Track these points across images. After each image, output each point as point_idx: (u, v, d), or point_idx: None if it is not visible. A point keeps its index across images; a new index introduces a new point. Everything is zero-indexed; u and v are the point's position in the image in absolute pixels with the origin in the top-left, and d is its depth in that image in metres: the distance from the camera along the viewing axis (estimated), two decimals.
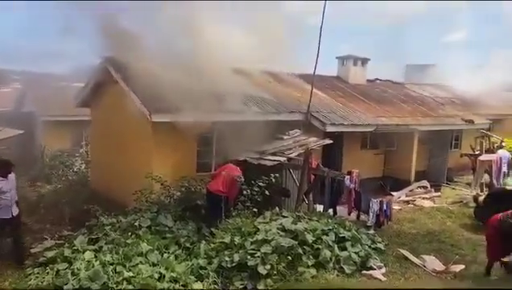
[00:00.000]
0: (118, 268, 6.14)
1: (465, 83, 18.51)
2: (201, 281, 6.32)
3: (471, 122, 15.50)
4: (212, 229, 7.75)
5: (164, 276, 6.12)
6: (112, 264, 6.22)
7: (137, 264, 6.31)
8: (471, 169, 14.77)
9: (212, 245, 7.19)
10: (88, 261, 6.32)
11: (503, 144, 15.46)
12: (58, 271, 6.33)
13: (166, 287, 5.92)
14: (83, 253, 6.59)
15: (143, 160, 9.72)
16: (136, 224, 7.65)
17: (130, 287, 5.79)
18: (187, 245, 7.38)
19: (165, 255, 6.78)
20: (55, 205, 10.49)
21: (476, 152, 14.75)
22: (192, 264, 6.68)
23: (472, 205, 11.13)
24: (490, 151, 14.57)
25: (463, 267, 7.26)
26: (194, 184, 8.78)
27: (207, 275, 6.45)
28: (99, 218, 7.99)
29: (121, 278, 5.92)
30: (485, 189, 13.08)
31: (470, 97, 18.36)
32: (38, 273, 6.50)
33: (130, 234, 7.36)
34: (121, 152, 10.70)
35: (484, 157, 13.69)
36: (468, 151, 15.49)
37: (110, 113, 11.32)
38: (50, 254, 6.82)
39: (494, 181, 13.12)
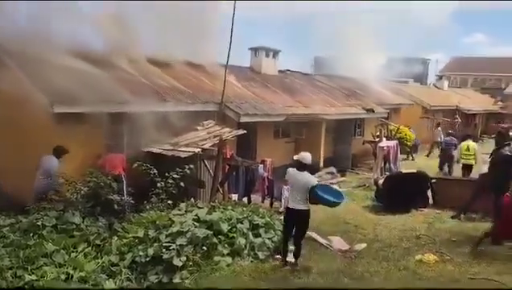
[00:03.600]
0: (19, 272, 5.71)
1: (365, 75, 20.05)
2: (113, 279, 6.10)
3: (371, 110, 16.81)
4: (125, 225, 7.52)
5: (72, 277, 5.82)
6: (11, 268, 5.76)
7: (41, 266, 5.92)
8: (372, 155, 16.07)
9: (125, 240, 6.97)
10: None
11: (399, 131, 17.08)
12: None
13: (74, 287, 5.62)
14: None
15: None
16: (39, 223, 7.10)
17: None
18: (98, 242, 7.05)
19: (73, 255, 6.44)
20: None
21: (377, 139, 16.07)
22: (103, 262, 6.42)
23: (374, 188, 12.14)
24: (389, 138, 15.97)
25: (365, 245, 7.91)
26: (103, 178, 8.35)
27: (119, 271, 6.24)
28: None
29: (22, 282, 5.51)
30: (384, 173, 14.34)
31: (369, 87, 19.96)
32: None
33: (32, 234, 6.83)
34: (17, 147, 9.76)
35: (383, 144, 14.97)
36: (369, 138, 16.83)
37: (2, 103, 10.23)
38: None
39: (392, 166, 14.42)
